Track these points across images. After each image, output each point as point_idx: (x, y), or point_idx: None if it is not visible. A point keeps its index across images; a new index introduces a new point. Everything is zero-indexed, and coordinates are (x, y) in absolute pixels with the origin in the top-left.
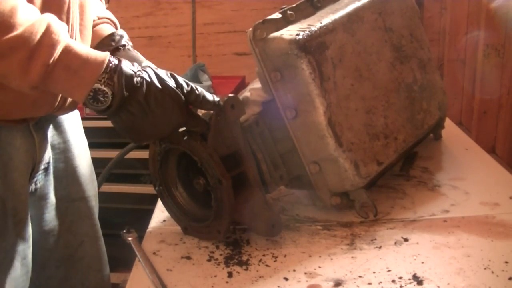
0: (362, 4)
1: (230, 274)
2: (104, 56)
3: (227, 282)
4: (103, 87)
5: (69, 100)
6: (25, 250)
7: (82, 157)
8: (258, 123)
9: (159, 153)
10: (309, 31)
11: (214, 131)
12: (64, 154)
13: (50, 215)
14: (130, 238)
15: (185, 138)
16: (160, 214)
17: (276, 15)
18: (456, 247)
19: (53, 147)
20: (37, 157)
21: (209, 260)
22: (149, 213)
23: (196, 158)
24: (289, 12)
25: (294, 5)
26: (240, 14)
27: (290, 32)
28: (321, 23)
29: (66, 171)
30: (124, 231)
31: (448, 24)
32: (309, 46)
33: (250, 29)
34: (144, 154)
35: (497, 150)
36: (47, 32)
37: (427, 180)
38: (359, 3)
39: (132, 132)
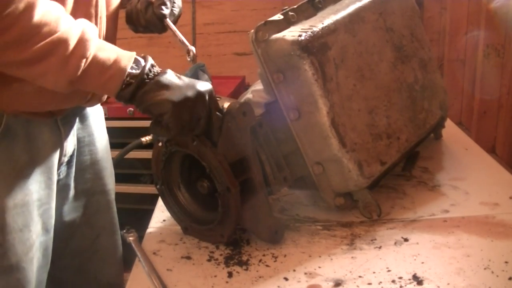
0: (363, 5)
1: (230, 274)
2: (132, 53)
3: (227, 282)
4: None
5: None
6: (47, 241)
7: (104, 151)
8: (261, 125)
9: (164, 154)
10: (311, 32)
11: (225, 137)
12: (88, 147)
13: (70, 207)
14: (130, 238)
15: (195, 143)
16: (160, 214)
17: (278, 17)
18: (456, 247)
19: (78, 140)
20: (63, 150)
21: (209, 260)
22: (149, 213)
23: (205, 163)
24: (290, 13)
25: (295, 6)
26: (240, 14)
27: (292, 33)
28: (322, 24)
29: (89, 164)
30: (124, 231)
31: (448, 24)
32: (312, 47)
33: (252, 30)
34: (144, 154)
35: (497, 150)
36: (83, 31)
37: (427, 180)
38: (360, 3)
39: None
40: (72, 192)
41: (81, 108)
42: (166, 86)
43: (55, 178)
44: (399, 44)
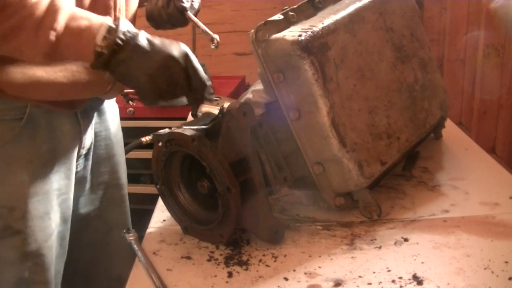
0: (363, 5)
1: (230, 274)
2: (105, 19)
3: (227, 282)
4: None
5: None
6: (65, 232)
7: (119, 146)
8: (262, 125)
9: (164, 154)
10: (311, 32)
11: (225, 137)
12: (104, 141)
13: (86, 199)
14: (130, 238)
15: (195, 143)
16: (160, 214)
17: (278, 16)
18: (456, 247)
19: (95, 134)
20: (81, 143)
21: (209, 260)
22: (149, 213)
23: (205, 164)
24: (290, 13)
25: (295, 6)
26: (240, 14)
27: (292, 33)
28: (322, 23)
29: (105, 157)
30: (124, 231)
31: (448, 24)
32: (312, 47)
33: (252, 30)
34: (144, 154)
35: (497, 150)
36: (51, 2)
37: (427, 180)
38: (360, 3)
39: (132, 80)
40: (88, 184)
41: (99, 102)
42: (138, 54)
43: (74, 169)
44: (399, 44)
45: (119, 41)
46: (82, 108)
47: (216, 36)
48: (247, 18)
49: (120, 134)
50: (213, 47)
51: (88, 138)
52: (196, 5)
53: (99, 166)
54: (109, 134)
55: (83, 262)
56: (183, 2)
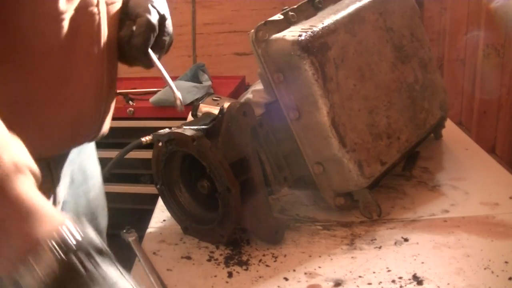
0: (363, 5)
1: (230, 274)
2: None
3: (227, 282)
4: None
5: (103, 130)
6: None
7: (97, 186)
8: (262, 125)
9: (164, 154)
10: (311, 32)
11: (225, 137)
12: (82, 187)
13: None
14: (130, 238)
15: (195, 143)
16: (160, 214)
17: (278, 16)
18: (456, 247)
19: (71, 181)
20: (56, 198)
21: (209, 260)
22: (149, 213)
23: (205, 164)
24: (290, 13)
25: (295, 6)
26: (240, 14)
27: (292, 33)
28: (323, 23)
29: (84, 205)
30: (124, 231)
31: (448, 24)
32: (312, 47)
33: (252, 30)
34: (144, 154)
35: (497, 150)
36: None
37: (427, 180)
38: (360, 3)
39: None
40: None
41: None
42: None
43: None
44: (399, 44)
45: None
46: (56, 157)
47: (179, 95)
48: (247, 18)
49: (98, 170)
50: (178, 110)
51: (63, 190)
52: (166, 39)
53: (78, 216)
54: (86, 176)
55: None
56: (145, 39)
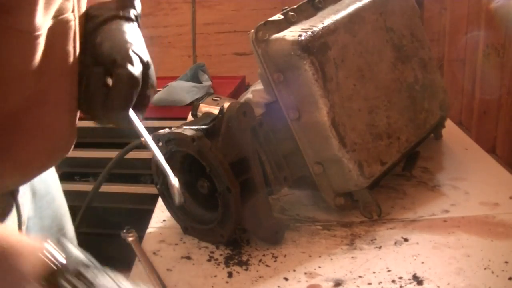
0: (363, 5)
1: (230, 274)
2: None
3: (227, 282)
4: None
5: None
6: None
7: (59, 194)
8: (262, 125)
9: (164, 154)
10: (311, 32)
11: (225, 137)
12: (45, 198)
13: None
14: (130, 238)
15: (195, 143)
16: (160, 214)
17: (278, 16)
18: (456, 247)
19: (33, 194)
20: (19, 217)
21: (209, 260)
22: (149, 213)
23: (205, 164)
24: (290, 13)
25: (295, 6)
26: (240, 14)
27: (292, 33)
28: (323, 24)
29: (48, 217)
30: (124, 231)
31: (448, 24)
32: (312, 47)
33: (252, 30)
34: (144, 154)
35: (497, 150)
36: None
37: (427, 180)
38: (360, 3)
39: None
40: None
41: None
42: None
43: None
44: (399, 44)
45: None
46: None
47: (176, 183)
48: (247, 18)
49: (55, 175)
50: (176, 202)
51: (26, 207)
52: (149, 92)
53: (44, 229)
54: (52, 196)
55: None
56: (127, 101)
